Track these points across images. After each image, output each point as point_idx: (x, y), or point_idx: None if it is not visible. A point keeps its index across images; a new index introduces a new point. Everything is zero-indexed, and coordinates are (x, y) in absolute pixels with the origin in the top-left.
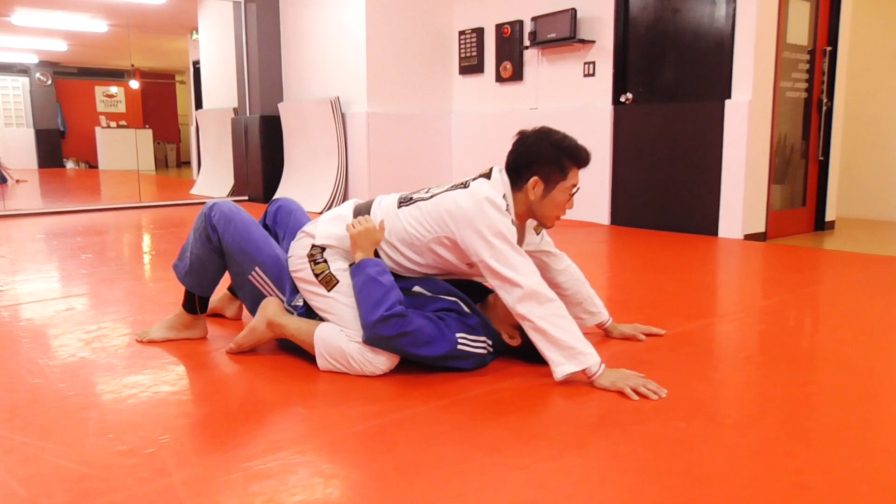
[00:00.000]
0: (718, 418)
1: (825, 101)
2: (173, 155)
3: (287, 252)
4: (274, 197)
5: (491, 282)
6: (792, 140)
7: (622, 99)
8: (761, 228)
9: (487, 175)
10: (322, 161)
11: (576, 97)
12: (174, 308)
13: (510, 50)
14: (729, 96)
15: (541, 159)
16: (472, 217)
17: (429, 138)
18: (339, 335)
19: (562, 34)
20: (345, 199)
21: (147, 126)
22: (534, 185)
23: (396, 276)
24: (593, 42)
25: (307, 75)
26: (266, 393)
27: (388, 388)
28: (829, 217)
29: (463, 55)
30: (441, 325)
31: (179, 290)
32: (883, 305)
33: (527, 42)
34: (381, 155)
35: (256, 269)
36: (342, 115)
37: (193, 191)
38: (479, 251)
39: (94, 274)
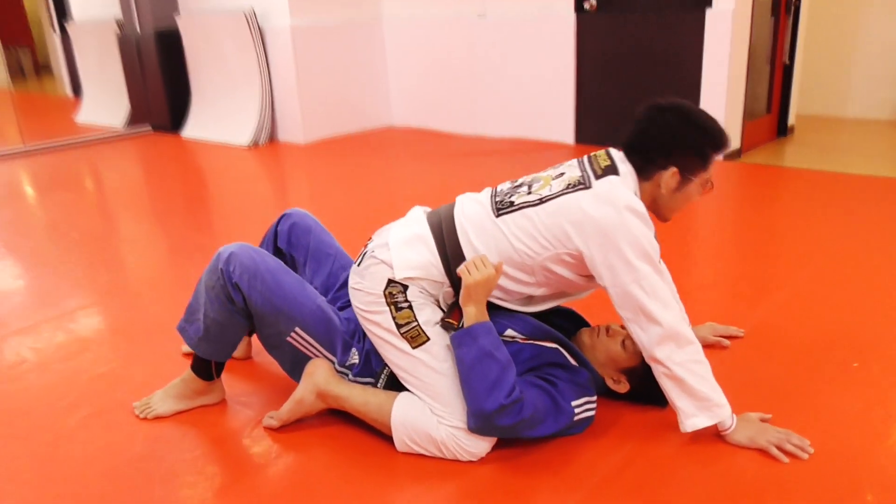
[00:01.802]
0: None
1: (794, 0)
2: (28, 61)
3: (328, 284)
4: (285, 212)
5: (621, 312)
6: (760, 46)
7: (585, 6)
8: (736, 145)
9: (610, 165)
10: (241, 88)
11: (531, 2)
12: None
13: None
14: (710, 4)
15: (683, 146)
16: (610, 232)
17: (362, 53)
18: (425, 418)
19: None
20: (273, 133)
21: None
22: (671, 176)
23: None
24: None
25: None
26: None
27: (497, 479)
28: (789, 122)
29: None
30: (554, 394)
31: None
32: None
33: None
34: (311, 78)
35: (296, 329)
36: (260, 31)
37: (80, 118)
38: (618, 275)
39: (32, 287)
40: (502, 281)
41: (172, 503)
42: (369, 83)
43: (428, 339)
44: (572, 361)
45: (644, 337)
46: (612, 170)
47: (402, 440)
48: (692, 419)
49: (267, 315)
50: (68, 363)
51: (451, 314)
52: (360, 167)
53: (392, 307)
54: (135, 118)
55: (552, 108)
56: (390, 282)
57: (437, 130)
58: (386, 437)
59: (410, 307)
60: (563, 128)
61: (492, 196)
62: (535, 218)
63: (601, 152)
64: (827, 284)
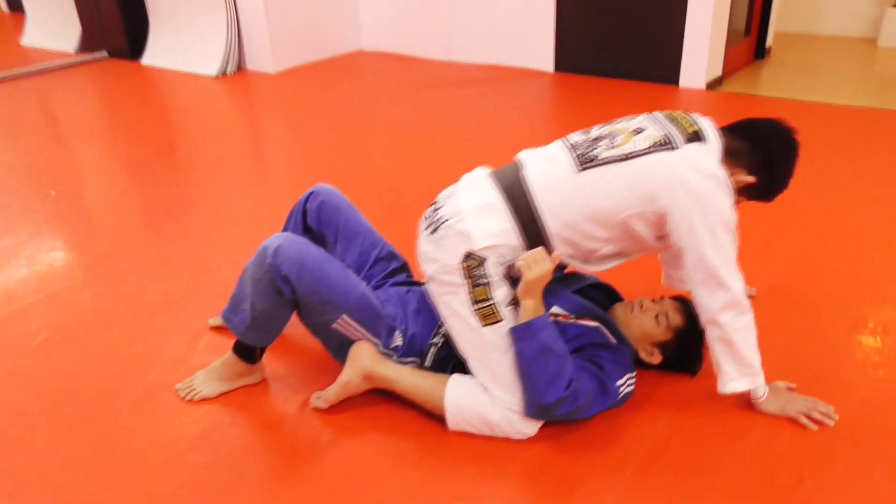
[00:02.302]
0: None
1: None
2: None
3: (359, 262)
4: (312, 189)
5: (692, 275)
6: None
7: None
8: (718, 72)
9: (697, 131)
10: (204, 12)
11: None
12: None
13: None
14: None
15: (774, 175)
16: (698, 198)
17: None
18: (479, 401)
19: None
20: (241, 61)
21: None
22: (746, 182)
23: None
24: None
25: None
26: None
27: (549, 458)
28: (768, 43)
29: None
30: (601, 377)
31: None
32: None
33: None
34: (280, 0)
35: (343, 316)
36: None
37: (26, 41)
38: (698, 240)
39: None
40: (576, 239)
41: (238, 494)
42: (339, 5)
43: (500, 319)
44: (612, 339)
45: (710, 301)
46: (698, 136)
47: (454, 422)
48: (732, 382)
49: (314, 304)
50: (94, 340)
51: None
52: (334, 99)
53: (469, 282)
54: (88, 43)
55: (531, 34)
56: (468, 254)
57: (409, 55)
58: (432, 416)
59: (488, 284)
60: (542, 55)
61: (568, 150)
62: (622, 174)
63: (682, 114)
64: (830, 234)
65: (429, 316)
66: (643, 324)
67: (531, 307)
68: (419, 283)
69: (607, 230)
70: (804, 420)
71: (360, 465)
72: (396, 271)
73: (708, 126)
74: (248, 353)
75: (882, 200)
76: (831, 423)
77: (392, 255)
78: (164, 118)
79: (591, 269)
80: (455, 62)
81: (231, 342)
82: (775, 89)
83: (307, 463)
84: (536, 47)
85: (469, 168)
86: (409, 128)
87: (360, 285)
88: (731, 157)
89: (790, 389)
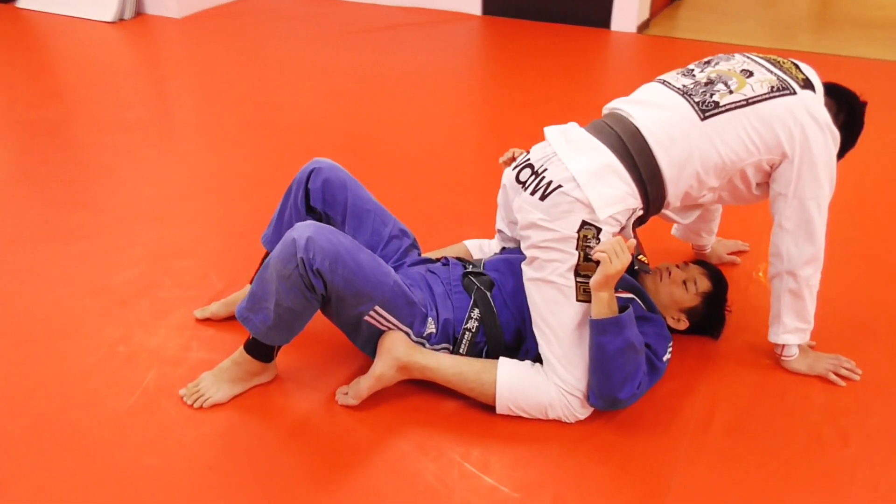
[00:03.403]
0: None
1: None
2: None
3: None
4: (311, 166)
5: (784, 223)
6: None
7: None
8: (646, 15)
9: (807, 79)
10: None
11: None
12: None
13: None
14: None
15: (850, 135)
16: (814, 145)
17: None
18: (534, 383)
19: None
20: (140, 5)
21: None
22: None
23: None
24: None
25: None
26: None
27: (601, 438)
28: None
29: None
30: (651, 358)
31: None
32: None
33: None
34: None
35: (376, 308)
36: None
37: None
38: (803, 187)
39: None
40: (692, 189)
41: None
42: None
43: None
44: (646, 309)
45: (795, 251)
46: (811, 84)
47: (505, 406)
48: (787, 334)
49: (348, 297)
50: (63, 341)
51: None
52: (249, 47)
53: (582, 254)
54: None
55: None
56: (585, 223)
57: None
58: (468, 400)
59: (598, 262)
60: None
61: (682, 95)
62: (745, 121)
63: (785, 60)
64: None
65: (457, 299)
66: (672, 291)
67: (605, 300)
68: (433, 261)
69: (722, 179)
70: (833, 377)
71: (407, 462)
72: (409, 248)
73: (810, 71)
74: (264, 351)
75: None
76: (857, 377)
77: (404, 232)
78: (52, 71)
79: (682, 220)
80: (377, 4)
81: (228, 335)
82: (694, 31)
83: (351, 467)
84: None
85: (404, 119)
86: (335, 78)
87: (392, 272)
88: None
89: (812, 348)
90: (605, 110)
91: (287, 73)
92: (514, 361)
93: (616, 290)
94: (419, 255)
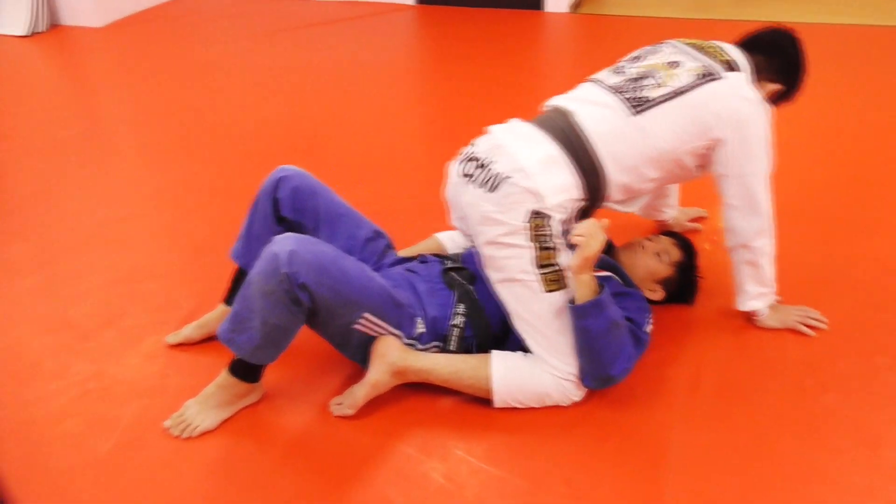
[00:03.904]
0: None
1: None
2: None
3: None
4: (276, 174)
5: (731, 200)
6: None
7: None
8: None
9: (731, 60)
10: None
11: None
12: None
13: None
14: None
15: (795, 76)
16: (747, 124)
17: None
18: (528, 374)
19: None
20: (55, 15)
21: None
22: (772, 91)
23: None
24: None
25: None
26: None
27: (596, 416)
28: None
29: None
30: (636, 331)
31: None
32: None
33: None
34: None
35: (365, 315)
36: None
37: None
38: (743, 165)
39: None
40: (632, 180)
41: None
42: None
43: (566, 286)
44: (623, 285)
45: (744, 224)
46: (734, 65)
47: (502, 399)
48: (751, 301)
49: (336, 308)
50: (27, 387)
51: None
52: (178, 52)
53: (536, 245)
54: None
55: None
56: (535, 213)
57: None
58: (463, 396)
59: (554, 249)
60: None
61: (612, 93)
62: (676, 111)
63: (704, 42)
64: None
65: (441, 296)
66: (647, 264)
67: (587, 282)
68: (411, 260)
69: (662, 169)
70: (804, 328)
71: (413, 464)
72: (386, 249)
73: (734, 51)
74: (250, 372)
75: None
76: (825, 326)
77: (378, 234)
78: None
79: (626, 210)
80: (309, 0)
81: (206, 358)
82: (624, 7)
83: (356, 477)
84: None
85: (354, 116)
86: (275, 78)
87: (376, 276)
88: (757, 73)
89: (780, 303)
90: (545, 106)
91: (223, 76)
92: (507, 354)
93: (595, 270)
94: (395, 255)
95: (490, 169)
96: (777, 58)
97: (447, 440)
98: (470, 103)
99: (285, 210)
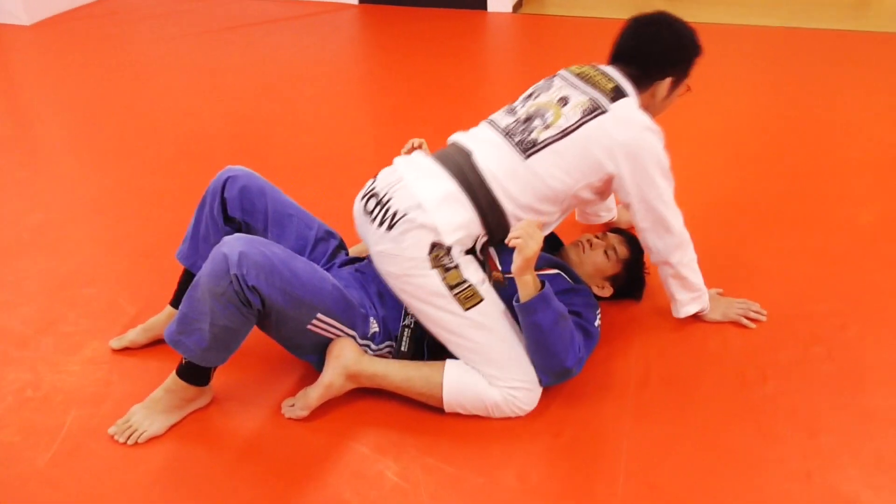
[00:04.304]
0: None
1: None
2: None
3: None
4: (224, 174)
5: (641, 224)
6: None
7: None
8: None
9: (616, 87)
10: None
11: None
12: None
13: None
14: None
15: (677, 58)
16: (638, 154)
17: None
18: (478, 385)
19: None
20: None
21: None
22: (667, 85)
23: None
24: None
25: None
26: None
27: (562, 414)
28: None
29: None
30: (584, 325)
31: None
32: None
33: None
34: None
35: (318, 315)
36: None
37: None
38: (644, 192)
39: None
40: (532, 217)
41: None
42: None
43: (482, 299)
44: (571, 282)
45: (660, 244)
46: (620, 91)
47: (451, 409)
48: (686, 307)
49: (288, 309)
50: None
51: (489, 268)
52: (112, 51)
53: (440, 269)
54: None
55: None
56: (435, 244)
57: None
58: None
59: (457, 267)
60: None
61: (504, 135)
62: (565, 151)
63: (591, 70)
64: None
65: (391, 296)
66: (595, 261)
67: (530, 282)
68: (361, 260)
69: (561, 204)
70: (745, 321)
71: (367, 464)
72: (337, 250)
73: (618, 75)
74: (199, 375)
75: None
76: (764, 318)
77: (330, 234)
78: None
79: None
80: None
81: (153, 362)
82: (564, 7)
83: (310, 478)
84: None
85: (298, 116)
86: (216, 77)
87: (328, 277)
88: (643, 83)
89: (721, 295)
90: (448, 141)
91: (161, 75)
92: (460, 365)
93: (542, 269)
94: (346, 255)
95: (388, 207)
96: (653, 61)
97: (401, 439)
98: (415, 101)
99: (233, 210)
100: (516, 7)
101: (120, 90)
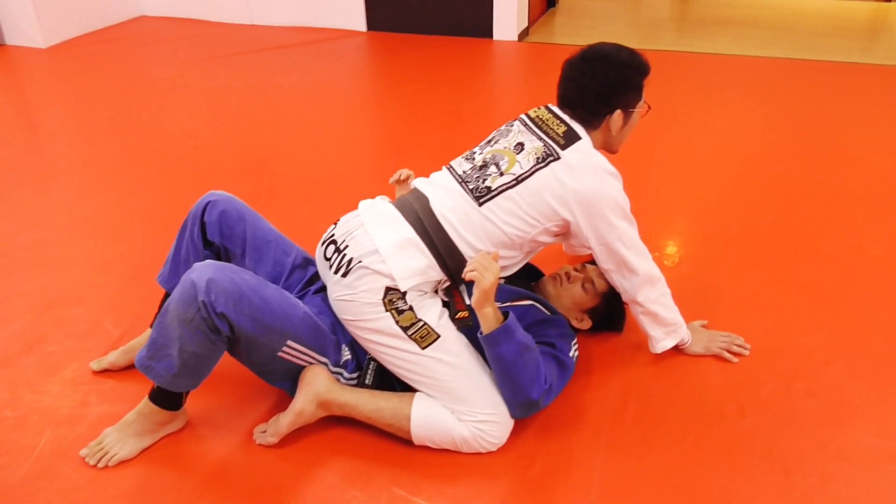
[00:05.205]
0: None
1: None
2: None
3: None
4: (206, 199)
5: (604, 265)
6: None
7: None
8: (525, 23)
9: (568, 130)
10: None
11: None
12: None
13: None
14: None
15: (621, 90)
16: (592, 200)
17: None
18: (447, 419)
19: None
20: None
21: None
22: (618, 117)
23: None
24: None
25: None
26: None
27: (534, 446)
28: None
29: None
30: (558, 356)
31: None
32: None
33: None
34: None
35: (288, 342)
36: None
37: None
38: (602, 235)
39: None
40: None
41: None
42: None
43: (438, 336)
44: (547, 313)
45: (626, 284)
46: (572, 134)
47: (421, 441)
48: (662, 342)
49: (258, 337)
50: None
51: (454, 306)
52: (124, 75)
53: (393, 312)
54: None
55: None
56: (388, 290)
57: (203, 20)
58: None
59: (411, 308)
60: (352, 14)
61: (460, 182)
62: (518, 199)
63: (545, 113)
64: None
65: None
66: (573, 294)
67: (490, 315)
68: None
69: (520, 249)
70: (727, 355)
71: (335, 493)
72: (314, 278)
73: (572, 122)
74: (171, 399)
75: (666, 127)
76: (747, 353)
77: (308, 262)
78: None
79: (505, 275)
80: (258, 25)
81: (130, 385)
82: (570, 36)
83: None
84: (345, 6)
85: (300, 140)
86: (222, 101)
87: (300, 304)
88: (593, 122)
89: (704, 327)
90: (412, 186)
91: (170, 99)
92: (430, 398)
93: (516, 300)
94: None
95: (345, 254)
96: (591, 99)
97: (370, 468)
98: (417, 128)
99: (212, 235)
100: (522, 35)
101: (127, 112)
